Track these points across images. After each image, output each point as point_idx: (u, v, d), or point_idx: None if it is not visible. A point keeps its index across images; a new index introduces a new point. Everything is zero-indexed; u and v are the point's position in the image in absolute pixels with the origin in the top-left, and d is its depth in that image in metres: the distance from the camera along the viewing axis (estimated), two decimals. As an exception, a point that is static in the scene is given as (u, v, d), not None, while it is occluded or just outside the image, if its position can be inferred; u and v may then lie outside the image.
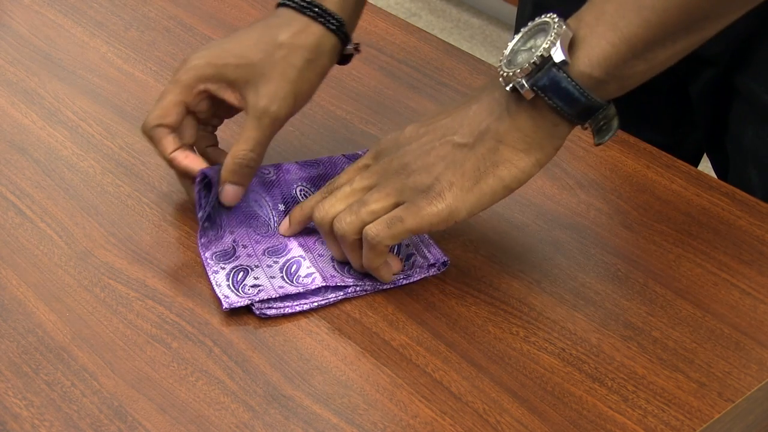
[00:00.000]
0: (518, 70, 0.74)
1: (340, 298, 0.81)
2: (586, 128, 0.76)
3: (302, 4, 0.86)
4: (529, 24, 0.77)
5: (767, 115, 1.01)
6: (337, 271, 0.82)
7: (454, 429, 0.71)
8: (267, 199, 0.87)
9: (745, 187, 0.93)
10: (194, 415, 0.72)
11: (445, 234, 0.85)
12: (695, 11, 0.73)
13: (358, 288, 0.81)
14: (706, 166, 1.19)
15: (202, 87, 0.86)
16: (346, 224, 0.79)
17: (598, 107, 0.75)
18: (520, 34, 0.77)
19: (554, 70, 0.73)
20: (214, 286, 0.81)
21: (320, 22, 0.86)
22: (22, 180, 0.92)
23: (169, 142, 0.86)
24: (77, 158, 0.95)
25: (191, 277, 0.83)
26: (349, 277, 0.82)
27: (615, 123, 0.77)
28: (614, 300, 0.81)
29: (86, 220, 0.88)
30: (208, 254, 0.83)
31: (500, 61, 0.76)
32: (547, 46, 0.73)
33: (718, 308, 0.80)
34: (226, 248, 0.84)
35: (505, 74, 0.75)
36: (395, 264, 0.82)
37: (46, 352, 0.76)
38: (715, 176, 1.08)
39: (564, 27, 0.74)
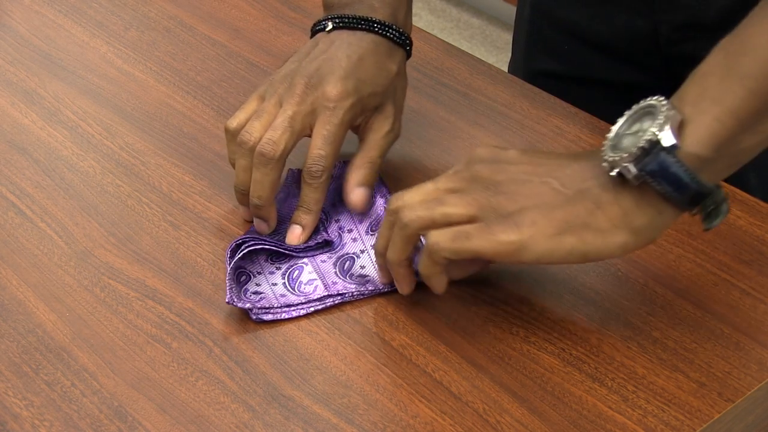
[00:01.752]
0: (625, 155, 0.71)
1: (337, 302, 0.81)
2: (694, 214, 0.74)
3: (398, 35, 0.90)
4: (634, 107, 0.74)
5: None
6: (339, 277, 0.82)
7: (454, 429, 0.71)
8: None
9: (744, 189, 0.93)
10: (194, 415, 0.72)
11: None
12: None
13: (355, 293, 0.81)
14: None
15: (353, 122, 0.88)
16: (415, 216, 0.75)
17: (707, 192, 0.72)
18: (624, 118, 0.74)
19: (663, 154, 0.70)
20: (227, 278, 0.80)
21: (404, 49, 0.92)
22: (22, 180, 0.92)
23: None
24: (77, 158, 0.95)
25: (191, 277, 0.83)
26: (351, 284, 0.81)
27: (725, 207, 0.74)
28: (614, 300, 0.81)
29: (86, 220, 0.88)
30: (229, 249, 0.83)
31: (604, 144, 0.74)
32: (655, 129, 0.71)
33: (718, 308, 0.80)
34: (237, 242, 0.84)
35: (610, 159, 0.72)
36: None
37: (46, 352, 0.76)
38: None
39: (673, 110, 0.71)
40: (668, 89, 1.11)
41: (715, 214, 0.74)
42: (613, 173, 0.72)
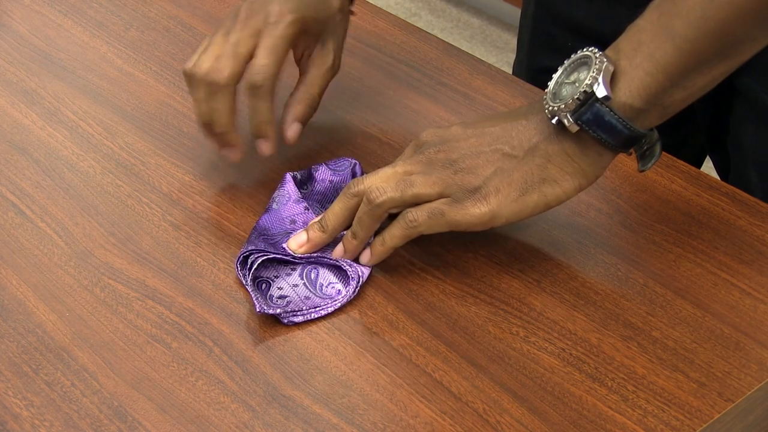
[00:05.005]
0: (563, 105, 0.77)
1: (357, 289, 0.81)
2: (630, 154, 0.81)
3: None
4: (572, 57, 0.80)
5: (767, 115, 1.01)
6: (347, 264, 0.83)
7: (454, 429, 0.71)
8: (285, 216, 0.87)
9: (746, 187, 0.93)
10: (194, 415, 0.72)
11: (446, 233, 0.85)
12: (728, 37, 0.75)
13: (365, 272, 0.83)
14: (709, 166, 1.19)
15: (295, 40, 0.90)
16: (387, 196, 0.80)
17: (640, 136, 0.78)
18: (563, 67, 0.80)
19: (597, 105, 0.76)
20: (249, 289, 0.81)
21: None
22: (22, 180, 0.92)
23: (271, 104, 0.88)
24: (77, 158, 0.95)
25: (191, 277, 0.83)
26: (358, 266, 0.83)
27: (658, 148, 0.81)
28: (614, 300, 0.81)
29: (86, 220, 0.88)
30: (239, 258, 0.83)
31: (546, 93, 0.79)
32: (589, 82, 0.76)
33: (718, 308, 0.80)
34: (243, 255, 0.84)
35: (550, 108, 0.78)
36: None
37: (46, 352, 0.76)
38: (718, 177, 1.08)
39: (605, 62, 0.77)
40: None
41: (650, 155, 0.81)
42: (554, 122, 0.78)
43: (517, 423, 0.72)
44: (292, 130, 0.91)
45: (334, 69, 0.93)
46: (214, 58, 0.87)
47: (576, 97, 0.77)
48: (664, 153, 0.96)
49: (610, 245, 0.86)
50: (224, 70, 0.87)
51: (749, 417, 0.76)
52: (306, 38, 0.92)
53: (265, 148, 0.90)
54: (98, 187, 0.92)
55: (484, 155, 0.80)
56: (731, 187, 0.91)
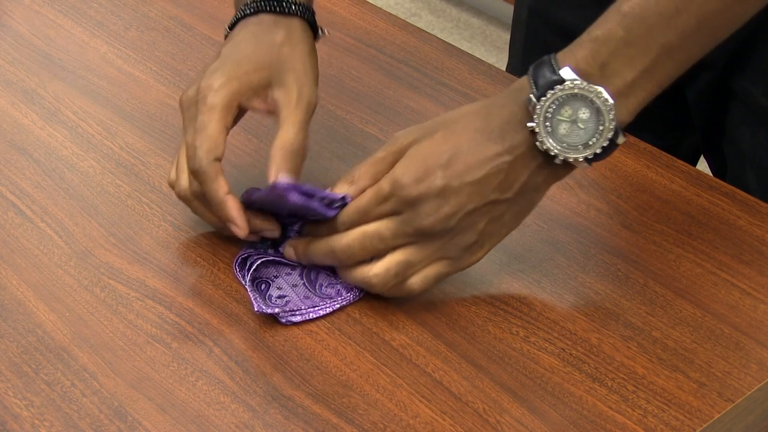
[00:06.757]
0: (580, 159, 0.76)
1: (358, 295, 0.81)
2: None
3: (279, 4, 0.88)
4: (557, 91, 0.75)
5: (764, 117, 1.01)
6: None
7: (454, 429, 0.71)
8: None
9: (744, 189, 0.93)
10: (194, 415, 0.72)
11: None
12: (719, 32, 0.79)
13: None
14: (703, 168, 1.19)
15: (235, 104, 0.84)
16: (388, 287, 0.79)
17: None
18: (548, 99, 0.76)
19: (613, 147, 0.77)
20: (248, 289, 0.81)
21: (300, 17, 0.89)
22: (22, 180, 0.92)
23: (223, 181, 0.82)
24: (77, 158, 0.95)
25: (191, 277, 0.83)
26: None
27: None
28: (614, 300, 0.81)
29: (86, 220, 0.88)
30: (237, 260, 0.83)
31: (537, 125, 0.76)
32: (611, 137, 0.76)
33: (718, 308, 0.80)
34: (243, 256, 0.84)
35: (556, 152, 0.76)
36: None
37: (46, 352, 0.76)
38: (715, 177, 1.08)
39: (610, 103, 0.75)
40: (665, 90, 1.11)
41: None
42: (557, 162, 0.76)
43: (517, 423, 0.72)
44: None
45: (305, 100, 0.85)
46: (174, 171, 0.85)
47: (603, 145, 0.76)
48: (663, 153, 0.96)
49: (610, 245, 0.86)
50: (181, 185, 0.84)
51: (749, 417, 0.76)
52: (256, 91, 0.85)
53: (236, 231, 0.81)
54: (98, 187, 0.92)
55: (477, 211, 0.77)
56: (731, 187, 0.91)
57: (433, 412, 0.73)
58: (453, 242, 0.78)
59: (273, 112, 0.86)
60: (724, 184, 0.92)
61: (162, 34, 1.13)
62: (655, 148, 0.97)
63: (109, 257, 0.85)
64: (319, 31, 0.92)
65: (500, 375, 0.75)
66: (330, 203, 0.80)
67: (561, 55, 0.77)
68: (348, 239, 0.79)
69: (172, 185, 0.86)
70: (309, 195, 0.79)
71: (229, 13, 1.16)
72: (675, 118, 1.13)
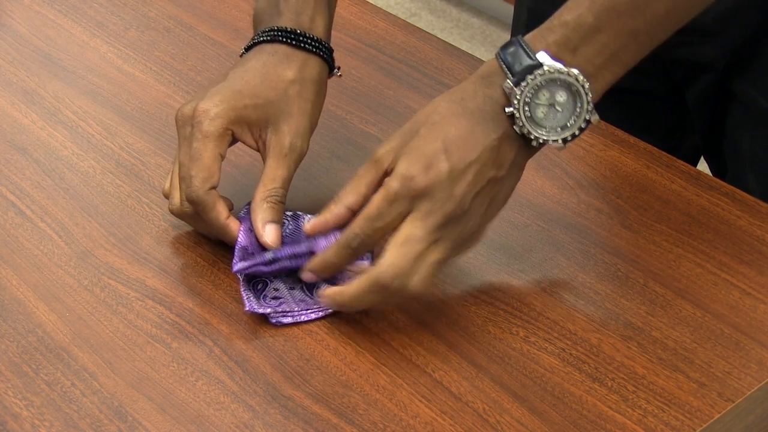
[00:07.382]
0: (558, 140, 0.78)
1: None
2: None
3: (297, 38, 0.87)
4: (537, 75, 0.76)
5: (765, 119, 1.01)
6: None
7: (454, 429, 0.71)
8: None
9: (743, 190, 0.93)
10: (194, 415, 0.72)
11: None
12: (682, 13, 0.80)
13: None
14: (703, 168, 1.19)
15: (230, 133, 0.84)
16: (418, 283, 0.77)
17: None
18: (528, 84, 0.76)
19: (586, 126, 0.78)
20: (241, 288, 0.81)
21: (317, 54, 0.88)
22: (22, 180, 0.92)
23: (223, 207, 0.82)
24: (77, 158, 0.95)
25: (191, 277, 0.83)
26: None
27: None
28: (614, 300, 0.81)
29: (86, 220, 0.88)
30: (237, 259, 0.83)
31: (517, 110, 0.77)
32: (588, 117, 0.78)
33: (718, 308, 0.80)
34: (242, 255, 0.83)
35: (532, 135, 0.77)
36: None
37: (46, 352, 0.77)
38: (715, 177, 1.08)
39: (586, 85, 0.77)
40: (665, 93, 1.11)
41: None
42: (534, 144, 0.78)
43: (517, 423, 0.72)
44: (268, 236, 0.82)
45: (295, 151, 0.84)
46: (168, 184, 0.85)
47: (580, 127, 0.78)
48: (663, 153, 0.96)
49: (610, 245, 0.86)
50: (174, 203, 0.84)
51: (749, 417, 0.76)
52: (250, 127, 0.85)
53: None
54: (98, 187, 0.92)
55: (483, 191, 0.77)
56: (731, 187, 0.91)
57: (433, 412, 0.73)
58: (467, 230, 0.78)
59: (261, 153, 0.86)
60: (724, 184, 0.92)
61: (162, 34, 1.13)
62: (655, 149, 0.97)
63: (109, 257, 0.85)
64: (335, 70, 0.91)
65: (500, 375, 0.75)
66: (301, 255, 0.81)
67: (531, 39, 0.78)
68: (389, 260, 0.76)
69: (166, 196, 0.86)
70: (296, 256, 0.81)
71: (229, 13, 1.16)
72: (675, 120, 1.13)
